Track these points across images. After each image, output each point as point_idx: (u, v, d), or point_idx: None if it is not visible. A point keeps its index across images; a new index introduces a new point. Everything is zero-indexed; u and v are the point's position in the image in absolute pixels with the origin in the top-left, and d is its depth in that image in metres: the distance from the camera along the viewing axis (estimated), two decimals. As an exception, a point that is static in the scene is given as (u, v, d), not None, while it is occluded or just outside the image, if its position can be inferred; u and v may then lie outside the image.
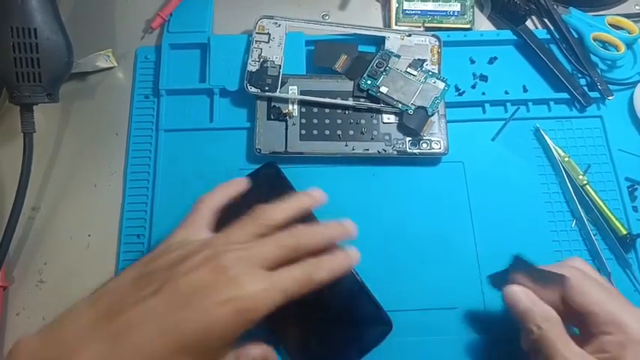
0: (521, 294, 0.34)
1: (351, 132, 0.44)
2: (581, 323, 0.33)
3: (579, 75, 0.48)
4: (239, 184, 0.38)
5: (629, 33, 0.48)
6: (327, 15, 0.52)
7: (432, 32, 0.47)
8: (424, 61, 0.46)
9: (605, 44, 0.48)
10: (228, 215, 0.35)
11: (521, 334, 0.34)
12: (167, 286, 0.29)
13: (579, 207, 0.43)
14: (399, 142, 0.44)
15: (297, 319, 0.38)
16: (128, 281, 0.31)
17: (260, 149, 0.44)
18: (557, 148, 0.45)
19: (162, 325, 0.28)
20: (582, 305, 0.33)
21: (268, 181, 0.42)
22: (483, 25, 0.51)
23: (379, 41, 0.47)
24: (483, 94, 0.47)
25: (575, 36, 0.48)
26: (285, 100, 0.45)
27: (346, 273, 0.33)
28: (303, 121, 0.45)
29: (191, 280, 0.30)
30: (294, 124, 0.45)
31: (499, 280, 0.36)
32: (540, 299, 0.34)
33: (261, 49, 0.46)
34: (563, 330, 0.32)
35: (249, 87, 0.45)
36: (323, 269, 0.32)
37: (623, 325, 0.31)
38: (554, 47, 0.49)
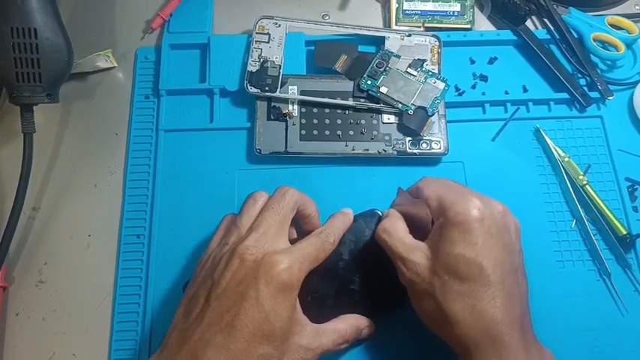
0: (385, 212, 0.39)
1: (351, 132, 0.44)
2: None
3: (579, 75, 0.48)
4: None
5: (629, 33, 0.48)
6: (327, 15, 0.52)
7: (432, 32, 0.47)
8: (424, 61, 0.46)
9: (605, 44, 0.48)
10: None
11: None
12: (209, 301, 0.32)
13: (579, 207, 0.43)
14: (399, 142, 0.44)
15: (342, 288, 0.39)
16: (179, 315, 0.34)
17: (260, 149, 0.44)
18: (557, 148, 0.45)
19: (224, 331, 0.31)
20: (426, 200, 0.36)
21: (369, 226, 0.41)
22: (483, 25, 0.51)
23: (379, 41, 0.47)
24: (483, 94, 0.47)
25: (575, 36, 0.48)
26: (285, 101, 0.45)
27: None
28: (303, 121, 0.45)
29: (226, 282, 0.32)
30: (294, 125, 0.45)
31: None
32: (405, 214, 0.38)
33: (261, 49, 0.46)
34: (400, 226, 0.37)
35: (249, 87, 0.45)
36: (331, 231, 0.37)
37: (443, 209, 0.34)
38: (554, 47, 0.49)
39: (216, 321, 0.31)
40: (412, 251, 0.34)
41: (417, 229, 0.37)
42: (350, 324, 0.36)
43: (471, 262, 0.32)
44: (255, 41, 0.46)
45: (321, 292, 0.38)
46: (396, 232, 0.36)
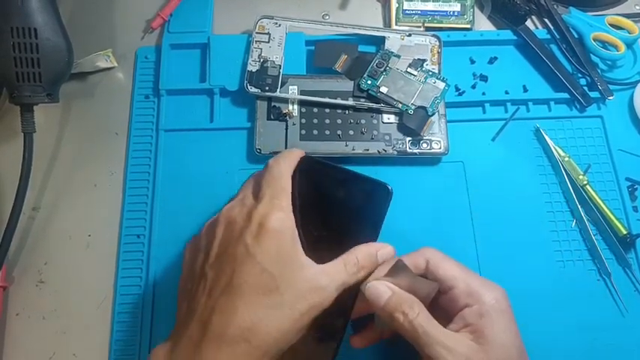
0: (382, 286, 0.34)
1: (351, 132, 0.44)
2: (444, 306, 0.35)
3: (579, 75, 0.48)
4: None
5: (629, 33, 0.48)
6: (327, 15, 0.52)
7: (432, 32, 0.47)
8: (424, 61, 0.46)
9: (605, 44, 0.48)
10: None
11: (376, 323, 0.36)
12: (205, 271, 0.33)
13: (579, 207, 0.43)
14: (399, 142, 0.44)
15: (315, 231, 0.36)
16: (180, 295, 0.35)
17: (260, 149, 0.44)
18: (557, 148, 0.45)
19: (225, 293, 0.31)
20: (445, 281, 0.34)
21: (310, 174, 0.37)
22: (483, 25, 0.51)
23: (379, 41, 0.47)
24: (483, 94, 0.47)
25: (576, 36, 0.48)
26: (286, 100, 0.45)
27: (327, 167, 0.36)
28: (303, 121, 0.45)
29: (215, 250, 0.33)
30: (294, 124, 0.45)
31: None
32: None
33: (262, 49, 0.46)
34: (428, 313, 0.33)
35: (249, 87, 0.45)
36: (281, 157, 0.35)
37: (479, 295, 0.33)
38: (554, 47, 0.49)
39: (215, 286, 0.31)
40: (457, 341, 0.32)
41: None
42: (360, 250, 0.34)
43: (519, 349, 0.32)
44: (256, 41, 0.46)
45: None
46: (430, 317, 0.33)
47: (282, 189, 0.34)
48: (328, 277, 0.32)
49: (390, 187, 0.35)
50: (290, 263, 0.31)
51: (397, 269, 0.35)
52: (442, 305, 0.35)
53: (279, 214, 0.32)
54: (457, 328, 0.33)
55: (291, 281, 0.31)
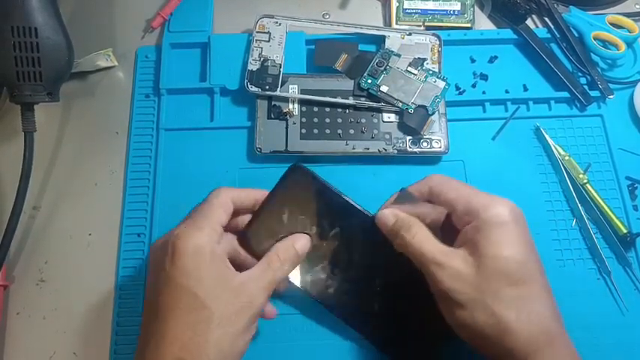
0: (388, 213, 0.37)
1: (352, 131, 0.44)
2: (450, 225, 0.35)
3: (580, 74, 0.48)
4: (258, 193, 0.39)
5: (629, 32, 0.48)
6: (327, 14, 0.52)
7: (433, 31, 0.47)
8: (424, 60, 0.46)
9: (605, 43, 0.48)
10: (266, 225, 0.38)
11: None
12: (145, 306, 0.35)
13: (579, 206, 0.43)
14: (400, 141, 0.44)
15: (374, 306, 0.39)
16: None
17: (260, 148, 0.44)
18: (557, 147, 0.45)
19: (153, 318, 0.32)
20: (447, 203, 0.35)
21: (298, 183, 0.40)
22: (484, 24, 0.51)
23: (379, 40, 0.47)
24: (484, 93, 0.47)
25: (576, 35, 0.48)
26: (286, 99, 0.45)
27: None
28: (304, 120, 0.45)
29: (149, 283, 0.35)
30: (294, 123, 0.45)
31: None
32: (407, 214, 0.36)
33: (262, 48, 0.46)
34: (427, 233, 0.34)
35: (249, 86, 0.45)
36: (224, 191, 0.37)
37: (476, 210, 0.33)
38: (554, 46, 0.49)
39: (147, 316, 0.33)
40: (450, 256, 0.33)
41: None
42: (279, 247, 0.36)
43: (521, 263, 0.31)
44: (256, 40, 0.46)
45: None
46: (428, 237, 0.34)
47: (204, 215, 0.35)
48: (254, 280, 0.34)
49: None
50: (211, 277, 0.32)
51: (404, 198, 0.37)
52: (453, 228, 0.35)
53: (194, 235, 0.33)
54: (457, 245, 0.34)
55: (215, 293, 0.32)
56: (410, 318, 0.38)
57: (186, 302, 0.31)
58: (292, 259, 0.36)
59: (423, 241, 0.34)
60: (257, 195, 0.38)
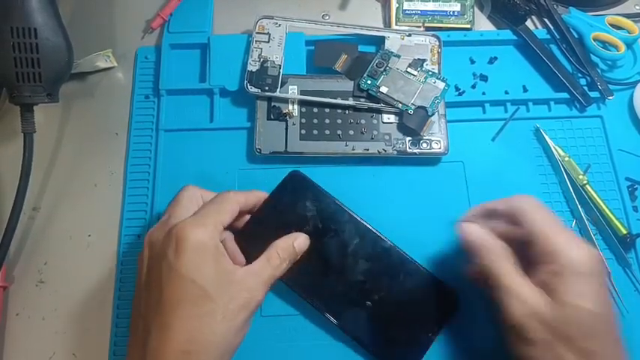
0: (473, 228, 0.37)
1: (351, 132, 0.44)
2: (531, 256, 0.34)
3: (579, 75, 0.48)
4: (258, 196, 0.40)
5: (629, 33, 0.48)
6: (327, 15, 0.52)
7: (432, 32, 0.47)
8: (424, 60, 0.46)
9: (605, 44, 0.48)
10: (263, 227, 0.39)
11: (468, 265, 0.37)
12: (140, 294, 0.34)
13: (579, 207, 0.43)
14: (399, 141, 0.44)
15: (363, 310, 0.39)
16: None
17: (260, 149, 0.44)
18: (557, 147, 0.45)
19: (156, 310, 0.32)
20: (527, 234, 0.34)
21: (296, 190, 0.41)
22: (483, 25, 0.51)
23: (379, 41, 0.47)
24: (483, 94, 0.47)
25: (576, 36, 0.48)
26: (286, 100, 0.45)
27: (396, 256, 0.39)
28: (303, 120, 0.45)
29: (144, 273, 0.35)
30: (294, 124, 0.45)
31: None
32: (493, 235, 0.36)
33: (262, 48, 0.46)
34: (509, 262, 0.34)
35: (249, 87, 0.45)
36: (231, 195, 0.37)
37: (557, 254, 0.32)
38: (554, 47, 0.49)
39: (148, 307, 0.33)
40: (527, 292, 0.32)
41: None
42: (278, 245, 0.37)
43: (598, 316, 0.31)
44: (256, 41, 0.46)
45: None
46: (507, 263, 0.34)
47: (210, 212, 0.35)
48: (254, 275, 0.34)
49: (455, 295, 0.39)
50: (214, 269, 0.33)
51: (488, 213, 0.37)
52: (530, 254, 0.34)
53: (199, 230, 0.33)
54: (535, 282, 0.33)
55: (219, 286, 0.32)
56: (399, 323, 0.39)
57: (192, 294, 0.31)
58: (291, 256, 0.37)
59: (502, 267, 0.33)
60: (260, 197, 0.39)
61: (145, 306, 0.33)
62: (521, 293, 0.32)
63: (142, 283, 0.34)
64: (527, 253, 0.34)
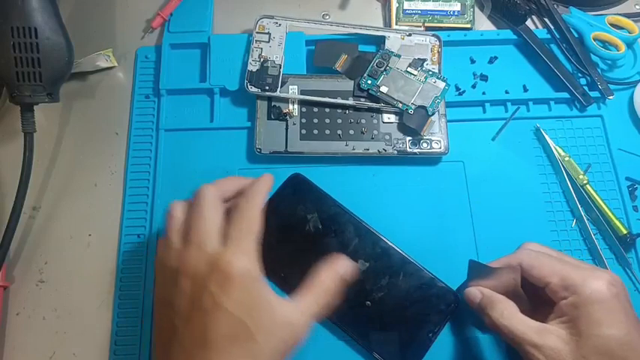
0: (474, 291, 0.37)
1: (352, 131, 0.44)
2: (544, 299, 0.35)
3: (579, 74, 0.48)
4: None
5: (629, 32, 0.48)
6: (327, 15, 0.52)
7: (433, 32, 0.47)
8: (424, 60, 0.46)
9: (605, 44, 0.48)
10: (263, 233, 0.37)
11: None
12: (176, 325, 0.32)
13: (579, 206, 0.43)
14: (400, 141, 0.44)
15: (362, 310, 0.39)
16: (156, 349, 0.34)
17: (260, 149, 0.44)
18: (557, 147, 0.45)
19: (200, 346, 0.30)
20: (539, 280, 0.34)
21: (297, 192, 0.41)
22: (483, 24, 0.51)
23: (379, 41, 0.47)
24: (484, 93, 0.47)
25: (576, 35, 0.48)
26: (286, 100, 0.45)
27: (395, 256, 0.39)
28: (304, 120, 0.45)
29: (184, 304, 0.31)
30: (294, 124, 0.45)
31: (463, 287, 0.39)
32: (494, 291, 0.36)
33: (262, 48, 0.46)
34: (514, 309, 0.34)
35: (249, 86, 0.45)
36: (252, 193, 0.34)
37: (574, 286, 0.32)
38: (554, 47, 0.49)
39: (189, 340, 0.31)
40: (545, 336, 0.32)
41: None
42: (325, 277, 0.33)
43: (623, 342, 0.31)
44: (256, 41, 0.46)
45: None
46: (517, 316, 0.34)
47: (248, 231, 0.33)
48: (300, 313, 0.32)
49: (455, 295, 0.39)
50: (260, 307, 0.31)
51: (477, 269, 0.37)
52: (546, 296, 0.35)
53: (244, 260, 0.31)
54: (554, 318, 0.33)
55: (264, 324, 0.31)
56: (399, 323, 0.39)
57: (239, 334, 0.30)
58: (338, 289, 0.34)
59: (512, 319, 0.33)
60: (270, 184, 0.37)
61: (186, 339, 0.31)
62: (538, 341, 0.32)
63: (177, 314, 0.32)
64: (542, 295, 0.35)
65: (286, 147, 0.44)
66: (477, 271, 0.38)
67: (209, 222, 0.33)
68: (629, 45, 0.48)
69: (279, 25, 0.47)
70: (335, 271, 0.34)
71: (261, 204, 0.34)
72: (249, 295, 0.31)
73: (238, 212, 0.33)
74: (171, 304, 0.32)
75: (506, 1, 0.49)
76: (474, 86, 0.48)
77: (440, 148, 0.44)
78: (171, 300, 0.32)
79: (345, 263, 0.34)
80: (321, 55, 0.46)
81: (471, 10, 0.50)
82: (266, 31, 0.47)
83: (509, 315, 0.34)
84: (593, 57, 0.48)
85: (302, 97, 0.45)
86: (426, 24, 0.50)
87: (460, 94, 0.47)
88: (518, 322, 0.33)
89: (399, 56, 0.46)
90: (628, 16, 0.49)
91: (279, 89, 0.45)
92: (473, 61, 0.49)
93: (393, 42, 0.47)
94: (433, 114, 0.44)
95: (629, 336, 0.31)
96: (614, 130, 0.46)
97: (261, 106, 0.45)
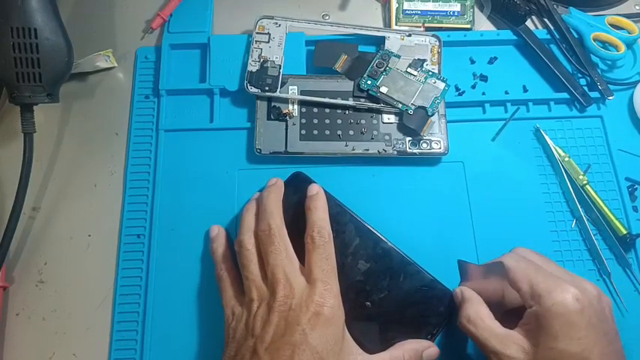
0: (457, 291, 0.38)
1: (351, 132, 0.44)
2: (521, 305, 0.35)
3: (579, 75, 0.48)
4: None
5: (629, 33, 0.48)
6: (327, 15, 0.52)
7: (432, 32, 0.47)
8: (424, 61, 0.46)
9: (605, 44, 0.48)
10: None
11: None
12: (259, 354, 0.33)
13: (579, 207, 0.43)
14: (399, 142, 0.44)
15: (361, 310, 0.39)
16: None
17: (260, 149, 0.44)
18: (557, 148, 0.45)
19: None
20: (513, 284, 0.34)
21: (298, 190, 0.41)
22: (483, 25, 0.51)
23: (379, 41, 0.47)
24: (483, 94, 0.47)
25: (576, 36, 0.48)
26: (286, 100, 0.45)
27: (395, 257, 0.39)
28: (304, 121, 0.45)
29: (270, 336, 0.33)
30: (294, 124, 0.45)
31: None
32: (481, 290, 0.37)
33: (262, 49, 0.46)
34: (484, 313, 0.35)
35: (249, 87, 0.45)
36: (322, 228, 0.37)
37: (539, 296, 0.32)
38: (554, 47, 0.49)
39: None
40: (507, 345, 0.32)
41: (489, 304, 0.36)
42: (407, 349, 0.35)
43: (577, 358, 0.30)
44: (256, 41, 0.46)
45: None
46: (484, 321, 0.34)
47: (332, 268, 0.36)
48: None
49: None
50: (342, 351, 0.33)
51: (465, 270, 0.39)
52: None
53: (333, 301, 0.34)
54: (522, 325, 0.33)
55: None
56: (399, 324, 0.39)
57: None
58: None
59: (479, 324, 0.34)
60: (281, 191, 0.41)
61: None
62: (498, 348, 0.32)
63: (262, 343, 0.33)
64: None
65: (286, 147, 0.44)
66: (464, 270, 0.39)
67: (290, 258, 0.36)
68: (629, 45, 0.48)
69: (279, 25, 0.47)
70: (419, 348, 0.36)
71: (331, 236, 0.37)
72: (334, 336, 0.33)
73: (316, 250, 0.36)
74: (257, 333, 0.33)
75: (506, 2, 0.49)
76: (473, 87, 0.48)
77: (440, 148, 0.44)
78: (255, 327, 0.34)
79: (433, 350, 0.36)
80: (320, 56, 0.46)
81: (471, 10, 0.50)
82: (266, 31, 0.47)
83: (476, 319, 0.34)
84: (593, 57, 0.48)
85: (302, 97, 0.45)
86: (425, 24, 0.50)
87: (460, 94, 0.47)
88: (484, 328, 0.34)
89: (398, 57, 0.46)
90: (628, 16, 0.49)
91: (278, 90, 0.45)
92: (473, 62, 0.49)
93: (392, 42, 0.47)
94: (433, 114, 0.44)
95: (586, 353, 0.30)
96: (613, 130, 0.46)
97: (261, 107, 0.45)
